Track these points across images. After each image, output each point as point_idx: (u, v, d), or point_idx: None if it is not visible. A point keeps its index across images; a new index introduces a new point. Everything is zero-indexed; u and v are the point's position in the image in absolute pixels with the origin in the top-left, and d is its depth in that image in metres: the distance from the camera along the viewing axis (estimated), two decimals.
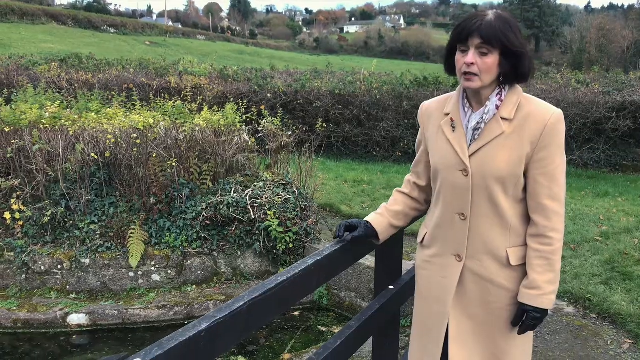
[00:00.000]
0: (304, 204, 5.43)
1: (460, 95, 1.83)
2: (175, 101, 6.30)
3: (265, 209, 5.19)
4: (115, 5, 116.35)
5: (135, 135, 5.13)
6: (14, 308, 4.96)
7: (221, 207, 5.20)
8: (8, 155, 5.28)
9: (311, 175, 5.97)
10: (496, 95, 1.75)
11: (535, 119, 1.72)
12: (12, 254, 5.29)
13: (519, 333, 1.83)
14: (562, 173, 1.77)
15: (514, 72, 1.72)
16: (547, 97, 10.59)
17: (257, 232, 5.22)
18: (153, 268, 5.15)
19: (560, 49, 71.24)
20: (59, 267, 5.16)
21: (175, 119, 5.71)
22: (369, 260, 4.66)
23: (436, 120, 1.89)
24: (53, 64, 12.85)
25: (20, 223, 5.35)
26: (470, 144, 1.78)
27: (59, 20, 53.04)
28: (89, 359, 4.51)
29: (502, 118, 1.74)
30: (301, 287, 1.95)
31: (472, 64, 1.67)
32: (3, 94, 6.81)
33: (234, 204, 5.23)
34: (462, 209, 1.80)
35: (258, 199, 5.28)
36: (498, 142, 1.73)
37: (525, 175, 1.76)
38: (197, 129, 5.36)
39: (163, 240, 5.20)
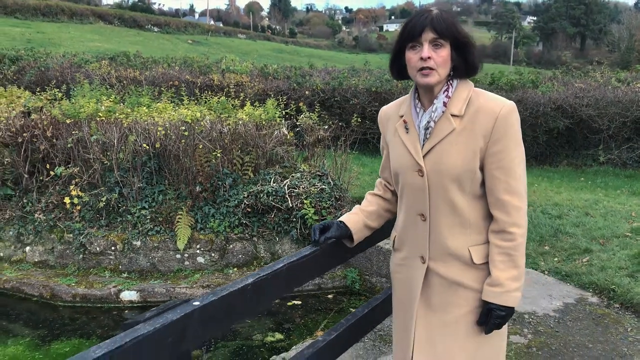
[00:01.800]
0: (339, 194, 5.72)
1: (412, 96, 1.83)
2: (220, 97, 6.69)
3: (302, 198, 5.52)
4: (159, 4, 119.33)
5: (183, 128, 5.54)
6: (73, 284, 5.45)
7: (261, 195, 5.55)
8: (68, 145, 5.78)
9: (346, 168, 6.26)
10: (443, 92, 1.73)
11: (486, 112, 1.69)
12: (71, 235, 5.79)
13: (486, 333, 1.78)
14: (520, 166, 1.73)
15: (464, 64, 1.72)
16: (585, 95, 10.57)
17: (294, 219, 5.55)
18: (198, 251, 5.55)
19: (608, 47, 69.19)
20: (113, 248, 5.62)
21: (220, 114, 6.09)
22: None
23: (392, 124, 1.89)
24: (103, 61, 13.55)
25: (78, 208, 5.85)
26: (423, 144, 1.76)
27: (105, 19, 54.79)
28: None
29: (452, 115, 1.72)
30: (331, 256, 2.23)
31: (429, 57, 1.66)
32: (62, 89, 7.36)
33: (273, 193, 5.57)
34: (422, 210, 1.79)
35: (295, 189, 5.60)
36: (450, 139, 1.71)
37: (482, 170, 1.73)
38: (241, 122, 5.73)
39: (208, 226, 5.60)
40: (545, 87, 11.35)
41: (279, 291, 2.03)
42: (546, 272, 5.30)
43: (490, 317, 1.73)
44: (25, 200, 6.24)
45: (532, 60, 69.50)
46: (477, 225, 1.77)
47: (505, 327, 1.85)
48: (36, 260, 5.94)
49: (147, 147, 5.59)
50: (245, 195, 5.62)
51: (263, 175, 5.82)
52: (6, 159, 6.21)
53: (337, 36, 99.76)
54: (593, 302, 4.61)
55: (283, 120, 6.28)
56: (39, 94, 7.24)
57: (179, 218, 5.54)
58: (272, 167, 5.97)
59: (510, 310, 1.73)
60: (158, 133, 5.54)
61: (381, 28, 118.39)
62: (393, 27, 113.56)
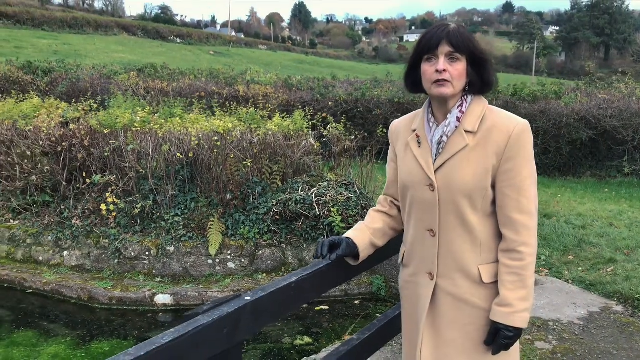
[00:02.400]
0: (365, 203, 5.87)
1: (425, 110, 1.82)
2: (249, 108, 6.91)
3: (329, 206, 5.68)
4: (181, 16, 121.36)
5: (216, 138, 5.76)
6: (109, 287, 5.68)
7: (290, 203, 5.73)
8: (106, 154, 6.04)
9: (371, 177, 6.42)
10: (457, 108, 1.73)
11: (500, 130, 1.69)
12: (107, 241, 6.04)
13: (493, 353, 1.76)
14: (531, 185, 1.72)
15: (480, 80, 1.73)
16: (609, 106, 10.59)
17: (321, 227, 5.71)
18: (229, 257, 5.75)
19: (632, 57, 68.34)
20: (147, 253, 5.85)
21: (250, 125, 6.31)
22: None
23: (404, 138, 1.88)
24: (132, 73, 13.95)
25: (114, 214, 6.09)
26: (435, 159, 1.76)
27: (129, 31, 55.95)
28: None
29: (465, 131, 1.71)
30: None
31: (444, 70, 1.67)
32: (97, 100, 7.66)
33: (301, 201, 5.75)
34: (431, 225, 1.77)
35: (323, 197, 5.77)
36: (462, 155, 1.70)
37: (493, 188, 1.72)
38: (270, 133, 5.93)
39: (238, 232, 5.79)
40: (569, 98, 11.38)
41: (315, 291, 2.18)
42: (570, 281, 5.36)
43: (498, 337, 1.71)
44: (62, 207, 6.52)
45: (555, 71, 68.89)
46: (488, 244, 1.75)
47: (517, 345, 1.81)
48: (73, 264, 6.19)
49: (181, 157, 5.82)
50: (274, 203, 5.80)
51: (291, 184, 6.00)
52: (46, 167, 6.51)
53: (357, 47, 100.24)
54: (618, 311, 4.66)
55: (310, 131, 6.47)
56: (75, 104, 7.55)
57: (211, 225, 5.74)
58: (299, 176, 6.15)
59: (518, 331, 1.70)
60: (192, 143, 5.76)
61: (401, 38, 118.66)
62: (413, 38, 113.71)
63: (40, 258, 6.40)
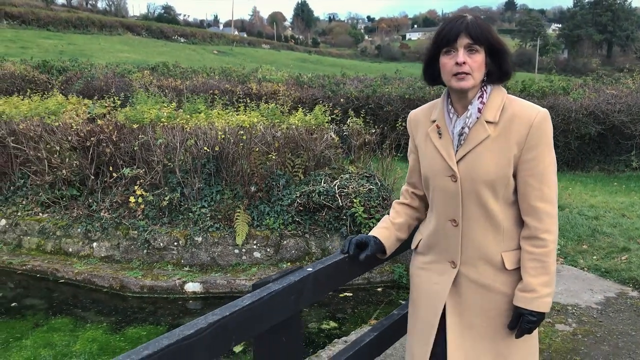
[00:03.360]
0: (385, 194, 6.07)
1: (445, 101, 1.83)
2: (271, 104, 7.10)
3: (352, 197, 5.88)
4: (184, 15, 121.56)
5: (242, 132, 5.96)
6: (140, 277, 5.88)
7: (313, 195, 5.93)
8: (134, 148, 6.24)
9: (390, 169, 6.61)
10: (478, 99, 1.74)
11: (521, 119, 1.70)
12: (136, 232, 6.25)
13: (516, 337, 1.79)
14: (553, 173, 1.74)
15: (498, 70, 1.74)
16: (617, 102, 10.75)
17: (344, 217, 5.91)
18: (255, 246, 5.95)
19: (635, 54, 68.32)
20: (175, 243, 6.05)
21: (272, 120, 6.51)
22: None
23: (423, 128, 1.89)
24: (145, 71, 14.15)
25: (142, 207, 6.30)
26: (457, 150, 1.77)
27: (133, 31, 56.11)
28: None
29: (486, 121, 1.73)
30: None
31: (464, 62, 1.67)
32: (120, 97, 7.87)
33: (324, 192, 5.95)
34: (454, 215, 1.79)
35: (345, 189, 5.97)
36: (484, 145, 1.72)
37: (514, 177, 1.75)
38: (293, 127, 6.13)
39: (263, 223, 5.99)
40: (577, 94, 11.55)
41: (362, 268, 2.30)
42: (586, 269, 5.54)
43: (522, 322, 1.74)
44: (90, 200, 6.73)
45: (558, 68, 68.95)
46: (510, 232, 1.78)
47: (536, 331, 1.83)
48: (102, 255, 6.40)
49: (208, 150, 6.02)
50: (298, 195, 6.00)
51: (314, 176, 6.20)
52: (74, 162, 6.71)
53: (359, 45, 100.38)
54: (634, 296, 4.85)
55: (331, 125, 6.66)
56: (99, 101, 7.76)
57: (237, 215, 5.94)
58: (321, 169, 6.35)
59: (541, 316, 1.73)
60: (219, 137, 5.96)
61: (404, 37, 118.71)
62: (416, 36, 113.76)
63: (70, 249, 6.61)
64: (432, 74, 1.81)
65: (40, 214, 6.99)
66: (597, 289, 5.03)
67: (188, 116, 6.62)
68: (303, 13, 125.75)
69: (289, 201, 6.03)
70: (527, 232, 1.75)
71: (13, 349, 4.73)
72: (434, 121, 1.85)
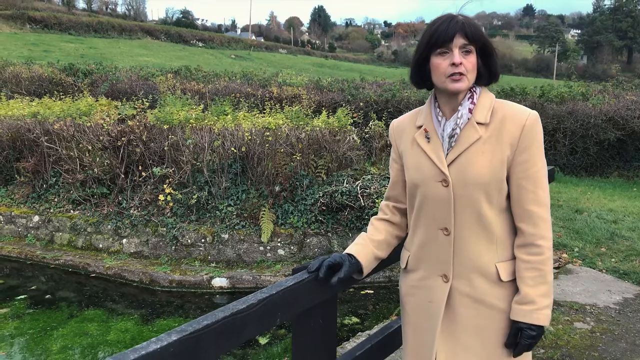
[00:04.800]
0: None
1: (432, 104, 1.76)
2: (295, 107, 7.30)
3: (373, 197, 6.04)
4: (202, 20, 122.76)
5: (268, 134, 6.17)
6: (168, 271, 6.11)
7: (336, 195, 6.11)
8: (165, 148, 6.48)
9: None
10: (468, 99, 1.69)
11: (513, 120, 1.65)
12: (164, 229, 6.47)
13: (514, 356, 1.68)
14: (545, 176, 1.69)
15: (488, 71, 1.70)
16: (637, 107, 10.79)
17: (366, 217, 6.07)
18: (279, 244, 6.14)
19: None
20: (203, 240, 6.27)
21: (297, 122, 6.71)
22: None
23: (409, 135, 1.81)
24: (169, 75, 14.47)
25: (171, 204, 6.53)
26: (447, 153, 1.69)
27: (153, 35, 56.84)
28: None
29: (477, 123, 1.67)
30: None
31: (460, 63, 1.62)
32: (148, 99, 8.14)
33: (347, 192, 6.12)
34: (445, 223, 1.69)
35: (367, 189, 6.14)
36: (476, 147, 1.66)
37: (507, 181, 1.68)
38: (317, 129, 6.32)
39: (287, 221, 6.19)
40: (596, 100, 11.59)
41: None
42: (604, 271, 5.64)
43: (521, 337, 1.64)
44: (120, 198, 6.98)
45: (577, 74, 68.41)
46: (504, 240, 1.69)
47: (529, 353, 1.74)
48: (132, 251, 6.64)
49: (235, 151, 6.23)
50: (321, 195, 6.19)
51: (336, 177, 6.38)
52: (105, 161, 6.97)
53: (376, 50, 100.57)
54: None
55: (353, 128, 6.84)
56: (128, 103, 8.04)
57: (263, 214, 6.14)
58: (343, 169, 6.52)
59: (540, 330, 1.63)
60: (245, 138, 6.17)
61: None
62: None
63: (100, 245, 6.86)
64: (422, 76, 1.72)
65: (72, 211, 7.26)
66: (615, 290, 5.12)
67: (215, 118, 6.84)
68: (320, 18, 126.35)
69: (312, 201, 6.22)
70: (521, 240, 1.67)
71: (51, 337, 4.97)
72: (420, 126, 1.77)
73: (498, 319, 1.68)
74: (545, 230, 1.66)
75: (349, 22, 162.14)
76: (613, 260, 5.86)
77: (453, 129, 1.68)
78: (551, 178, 4.72)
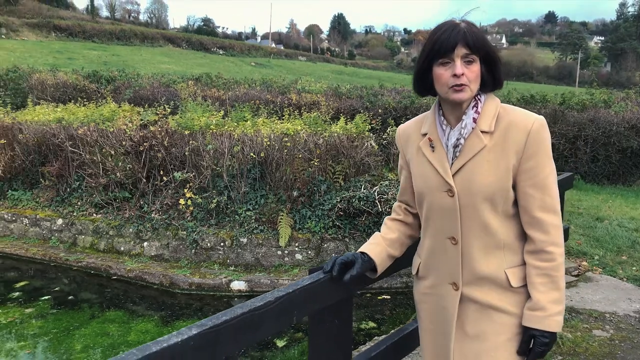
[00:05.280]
0: None
1: (436, 112, 1.74)
2: (314, 113, 7.37)
3: (391, 203, 6.06)
4: (223, 28, 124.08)
5: (286, 139, 6.24)
6: (188, 274, 6.20)
7: (353, 200, 6.15)
8: (186, 154, 6.60)
9: None
10: (472, 108, 1.66)
11: (517, 127, 1.63)
12: (184, 232, 6.58)
13: None
14: (554, 183, 1.66)
15: (492, 78, 1.67)
16: None
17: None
18: (296, 248, 6.20)
19: None
20: (222, 244, 6.36)
21: (315, 128, 6.78)
22: None
23: (414, 142, 1.79)
24: (190, 82, 14.69)
25: (191, 209, 6.64)
26: (452, 163, 1.68)
27: (174, 42, 57.51)
28: None
29: (481, 131, 1.65)
30: None
31: (462, 74, 1.60)
32: (170, 105, 8.29)
33: (364, 198, 6.16)
34: (452, 233, 1.69)
35: (384, 195, 6.17)
36: (481, 156, 1.64)
37: (514, 189, 1.66)
38: (335, 134, 6.38)
39: (305, 226, 6.24)
40: (618, 107, 11.45)
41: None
42: (624, 279, 5.58)
43: (534, 344, 1.63)
44: (142, 202, 7.12)
45: (600, 82, 67.52)
46: (512, 246, 1.68)
47: None
48: (152, 254, 6.76)
49: (254, 156, 6.32)
50: (339, 200, 6.23)
51: (354, 183, 6.42)
52: (128, 166, 7.12)
53: (395, 57, 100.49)
54: None
55: (371, 134, 6.89)
56: (150, 109, 8.20)
57: (281, 219, 6.21)
58: (361, 175, 6.56)
59: (553, 336, 1.62)
60: (264, 144, 6.26)
61: None
62: None
63: (122, 248, 7.00)
64: (424, 85, 1.71)
65: (94, 215, 7.42)
66: (635, 298, 5.07)
67: (235, 124, 6.95)
68: (339, 26, 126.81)
69: (330, 206, 6.27)
70: (532, 247, 1.65)
71: (74, 336, 5.09)
72: (425, 134, 1.75)
73: (511, 324, 1.67)
74: (556, 237, 1.64)
75: (368, 30, 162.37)
76: (634, 268, 5.79)
77: (457, 139, 1.67)
78: (569, 184, 4.72)
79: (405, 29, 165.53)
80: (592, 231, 6.84)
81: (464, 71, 1.59)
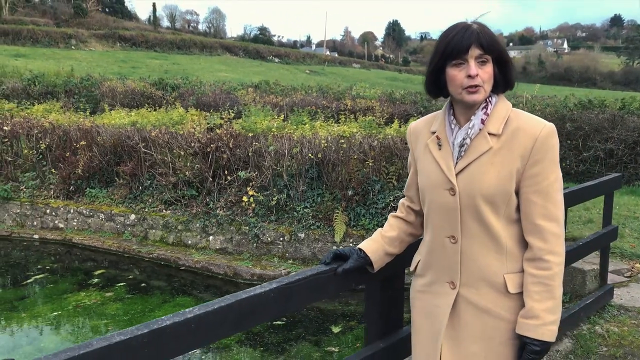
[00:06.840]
0: None
1: (446, 111, 1.75)
2: (369, 117, 7.71)
3: None
4: (278, 36, 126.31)
5: (342, 141, 6.62)
6: (250, 266, 6.67)
7: None
8: (249, 154, 7.09)
9: None
10: (482, 109, 1.67)
11: (525, 132, 1.63)
12: (247, 228, 7.07)
13: None
14: (558, 191, 1.65)
15: (504, 79, 1.68)
16: None
17: None
18: (351, 244, 6.55)
19: None
20: (281, 239, 6.80)
21: (370, 131, 7.12)
22: None
23: (423, 140, 1.80)
24: (249, 89, 15.37)
25: (253, 205, 7.12)
26: (457, 162, 1.68)
27: (231, 51, 58.95)
28: None
29: (489, 133, 1.65)
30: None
31: (477, 75, 1.60)
32: (234, 110, 8.85)
33: None
34: (452, 231, 1.69)
35: None
36: (486, 158, 1.64)
37: (517, 194, 1.66)
38: (390, 137, 6.70)
39: (359, 223, 6.59)
40: None
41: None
42: None
43: (525, 352, 1.62)
44: (208, 199, 7.67)
45: None
46: (513, 252, 1.67)
47: None
48: (217, 247, 7.28)
49: (312, 157, 6.74)
50: (392, 199, 6.54)
51: None
52: (196, 166, 7.70)
53: None
54: None
55: None
56: (215, 113, 8.80)
57: (336, 216, 6.58)
58: None
59: (545, 345, 1.60)
60: (321, 145, 6.66)
61: None
62: (511, 54, 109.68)
63: (189, 242, 7.56)
64: (437, 86, 1.70)
65: (164, 211, 8.04)
66: None
67: (294, 127, 7.39)
68: (394, 32, 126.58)
69: (383, 204, 6.59)
70: (530, 254, 1.65)
71: (150, 317, 5.64)
72: (434, 132, 1.76)
73: (504, 330, 1.67)
74: (555, 246, 1.63)
75: (423, 36, 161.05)
76: None
77: (463, 139, 1.67)
78: (617, 185, 4.83)
79: None
80: None
81: (478, 72, 1.60)
